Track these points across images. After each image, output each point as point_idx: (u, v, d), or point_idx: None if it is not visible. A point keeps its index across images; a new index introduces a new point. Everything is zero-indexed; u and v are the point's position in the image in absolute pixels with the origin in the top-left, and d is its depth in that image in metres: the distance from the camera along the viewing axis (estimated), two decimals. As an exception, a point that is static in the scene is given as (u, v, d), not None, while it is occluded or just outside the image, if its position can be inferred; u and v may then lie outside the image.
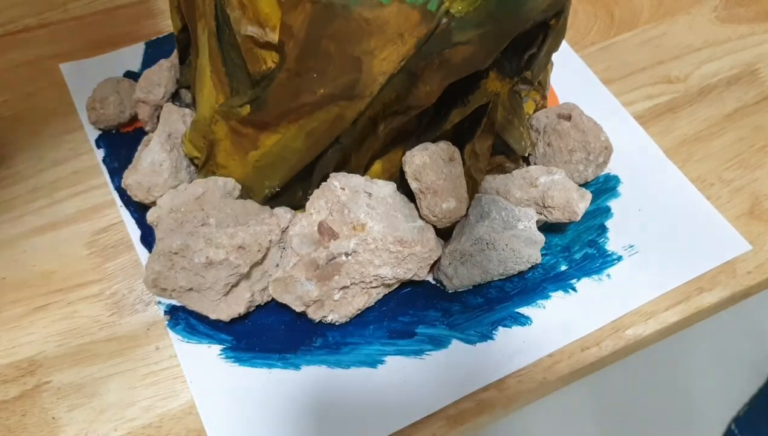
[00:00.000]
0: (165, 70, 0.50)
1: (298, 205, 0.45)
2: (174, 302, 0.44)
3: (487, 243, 0.42)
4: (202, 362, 0.42)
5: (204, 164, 0.45)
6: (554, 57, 0.47)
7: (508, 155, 0.48)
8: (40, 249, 0.47)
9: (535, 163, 0.49)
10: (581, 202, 0.44)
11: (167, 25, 0.60)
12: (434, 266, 0.45)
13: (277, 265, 0.42)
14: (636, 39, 0.60)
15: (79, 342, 0.43)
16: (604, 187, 0.50)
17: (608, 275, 0.46)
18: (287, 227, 0.42)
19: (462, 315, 0.44)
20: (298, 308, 0.42)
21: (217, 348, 0.43)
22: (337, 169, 0.43)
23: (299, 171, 0.42)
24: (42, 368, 0.42)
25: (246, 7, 0.37)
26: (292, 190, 0.44)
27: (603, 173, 0.51)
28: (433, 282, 0.45)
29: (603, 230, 0.48)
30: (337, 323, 0.43)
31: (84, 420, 0.40)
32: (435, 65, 0.37)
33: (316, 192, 0.42)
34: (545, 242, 0.44)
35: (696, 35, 0.60)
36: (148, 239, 0.47)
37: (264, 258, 0.42)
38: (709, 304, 0.45)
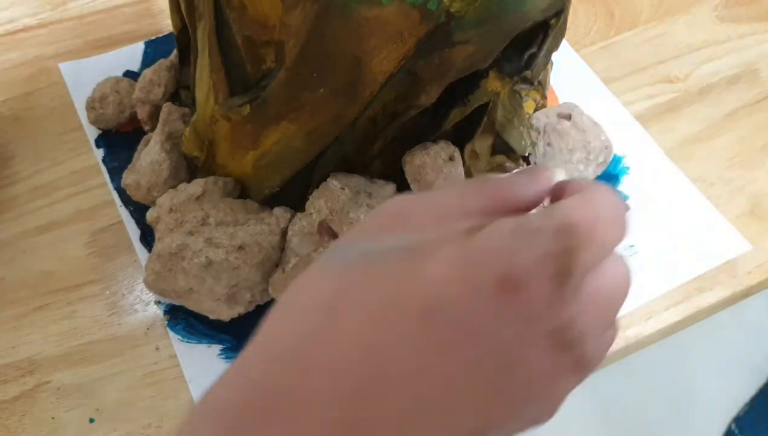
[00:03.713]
0: (165, 70, 0.50)
1: (298, 206, 0.45)
2: (174, 302, 0.44)
3: (487, 243, 0.42)
4: (202, 362, 0.42)
5: (204, 164, 0.45)
6: (554, 56, 0.47)
7: (508, 155, 0.48)
8: (40, 249, 0.47)
9: (535, 163, 0.49)
10: (581, 202, 0.44)
11: (167, 24, 0.60)
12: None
13: (277, 265, 0.42)
14: (636, 38, 0.60)
15: (78, 342, 0.43)
16: (604, 187, 0.50)
17: (608, 275, 0.46)
18: (287, 226, 0.42)
19: (462, 315, 0.44)
20: (298, 308, 0.42)
21: (217, 348, 0.43)
22: (337, 169, 0.43)
23: (299, 171, 0.42)
24: (42, 368, 0.42)
25: (246, 7, 0.37)
26: (292, 190, 0.44)
27: (603, 173, 0.51)
28: (433, 282, 0.45)
29: (603, 229, 0.48)
30: (337, 323, 0.43)
31: (84, 420, 0.40)
32: (435, 65, 0.37)
33: (316, 192, 0.42)
34: (545, 242, 0.44)
35: (696, 35, 0.60)
36: (148, 238, 0.47)
37: (264, 258, 0.42)
38: (709, 304, 0.45)
